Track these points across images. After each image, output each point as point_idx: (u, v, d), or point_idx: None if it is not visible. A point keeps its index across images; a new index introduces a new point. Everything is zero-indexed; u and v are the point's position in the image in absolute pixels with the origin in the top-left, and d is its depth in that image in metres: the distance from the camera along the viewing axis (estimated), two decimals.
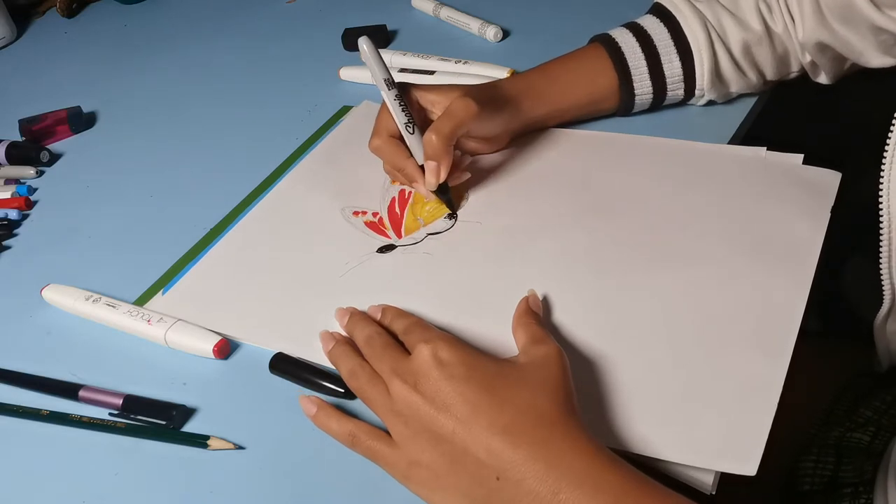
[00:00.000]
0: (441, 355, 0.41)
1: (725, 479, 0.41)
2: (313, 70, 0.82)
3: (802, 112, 0.83)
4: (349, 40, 0.83)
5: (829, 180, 0.56)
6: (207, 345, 0.50)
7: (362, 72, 0.77)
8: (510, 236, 0.56)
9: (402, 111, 0.56)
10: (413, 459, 0.40)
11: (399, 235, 0.58)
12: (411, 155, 0.57)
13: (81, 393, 0.50)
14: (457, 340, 0.43)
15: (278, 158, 0.69)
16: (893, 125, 0.49)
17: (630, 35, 0.63)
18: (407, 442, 0.41)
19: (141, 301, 0.57)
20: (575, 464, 0.37)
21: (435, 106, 0.59)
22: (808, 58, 0.61)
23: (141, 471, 0.46)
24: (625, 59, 0.62)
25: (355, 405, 0.47)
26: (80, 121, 0.80)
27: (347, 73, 0.78)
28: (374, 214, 0.60)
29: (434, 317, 0.51)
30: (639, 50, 0.62)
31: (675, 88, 0.63)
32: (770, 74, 0.63)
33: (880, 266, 0.53)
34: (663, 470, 0.42)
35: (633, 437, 0.42)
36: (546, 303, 0.50)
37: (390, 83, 0.56)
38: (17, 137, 0.78)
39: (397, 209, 0.61)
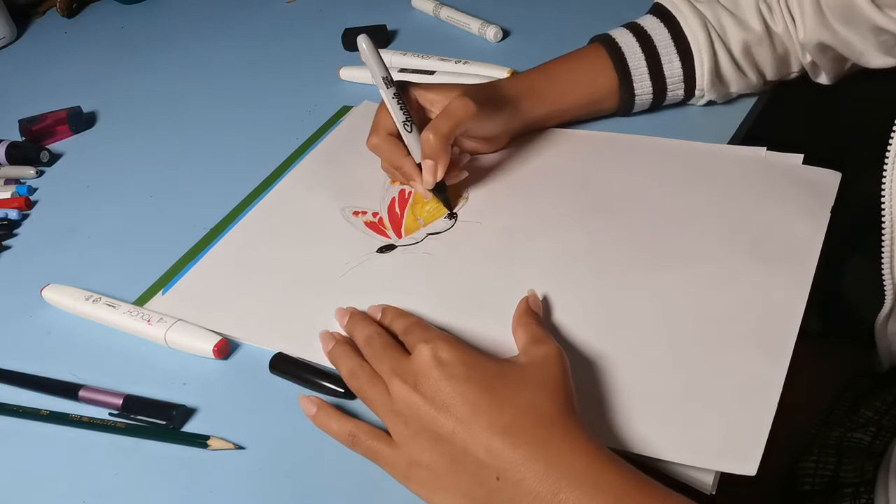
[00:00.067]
0: (441, 355, 0.41)
1: (725, 479, 0.41)
2: (313, 70, 0.82)
3: (802, 112, 0.83)
4: (349, 40, 0.83)
5: (829, 180, 0.56)
6: (207, 345, 0.50)
7: (362, 72, 0.77)
8: (510, 236, 0.56)
9: (401, 109, 0.56)
10: (413, 459, 0.40)
11: (399, 235, 0.58)
12: (409, 153, 0.57)
13: (81, 393, 0.50)
14: (457, 340, 0.43)
15: (278, 158, 0.69)
16: (895, 130, 0.49)
17: (630, 35, 0.63)
18: (407, 442, 0.41)
19: (141, 301, 0.57)
20: (575, 464, 0.37)
21: (434, 105, 0.59)
22: (808, 58, 0.61)
23: (141, 471, 0.46)
24: (625, 59, 0.62)
25: (355, 405, 0.47)
26: (80, 121, 0.80)
27: (347, 73, 0.78)
28: (374, 214, 0.60)
29: (434, 317, 0.51)
30: (639, 50, 0.62)
31: (675, 88, 0.63)
32: (770, 75, 0.63)
33: (882, 266, 0.53)
34: (663, 470, 0.42)
35: (633, 437, 0.42)
36: (546, 303, 0.50)
37: (389, 81, 0.56)
38: (17, 137, 0.78)
39: (397, 209, 0.61)
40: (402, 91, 0.57)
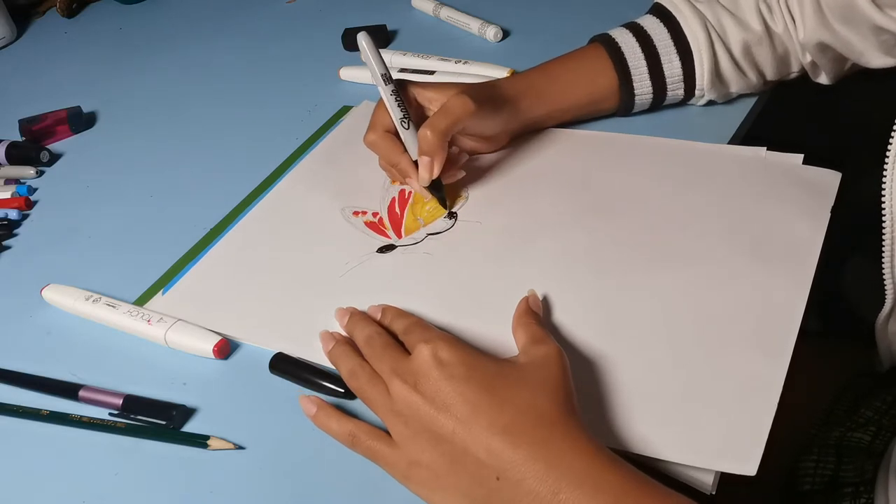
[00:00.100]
0: (441, 355, 0.41)
1: (725, 479, 0.41)
2: (313, 70, 0.82)
3: (802, 112, 0.83)
4: (349, 40, 0.83)
5: (829, 180, 0.56)
6: (207, 345, 0.50)
7: (362, 72, 0.77)
8: (510, 236, 0.56)
9: (398, 106, 0.56)
10: (413, 459, 0.40)
11: (399, 235, 0.58)
12: (406, 150, 0.57)
13: (81, 393, 0.50)
14: (457, 340, 0.43)
15: (278, 158, 0.69)
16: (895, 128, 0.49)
17: (630, 35, 0.63)
18: (407, 442, 0.41)
19: (141, 301, 0.57)
20: (575, 464, 0.37)
21: (432, 103, 0.59)
22: (808, 58, 0.61)
23: (141, 471, 0.46)
24: (625, 59, 0.62)
25: (355, 405, 0.47)
26: (80, 121, 0.80)
27: (347, 73, 0.78)
28: (374, 214, 0.60)
29: (434, 317, 0.51)
30: (639, 50, 0.62)
31: (675, 88, 0.63)
32: (770, 75, 0.63)
33: (882, 266, 0.53)
34: (663, 470, 0.42)
35: (633, 437, 0.42)
36: (546, 303, 0.50)
37: (387, 78, 0.56)
38: (17, 137, 0.78)
39: (397, 209, 0.61)
40: (401, 89, 0.57)
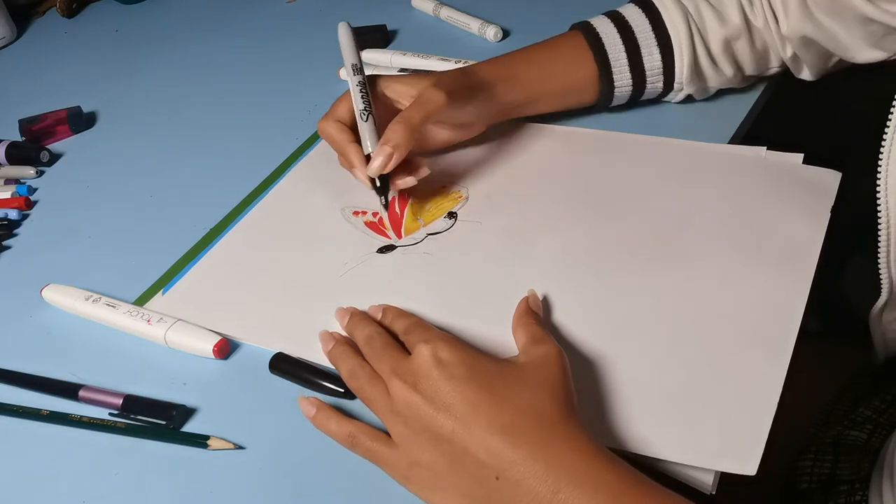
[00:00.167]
0: (441, 355, 0.41)
1: (725, 479, 0.41)
2: (313, 70, 0.82)
3: (802, 112, 0.83)
4: None
5: (829, 180, 0.56)
6: (207, 345, 0.50)
7: None
8: (510, 236, 0.56)
9: (362, 98, 0.56)
10: (413, 460, 0.40)
11: (399, 235, 0.58)
12: (355, 140, 0.56)
13: (81, 393, 0.50)
14: (457, 340, 0.43)
15: (278, 158, 0.69)
16: (889, 121, 0.49)
17: (610, 24, 0.62)
18: (407, 442, 0.41)
19: (141, 301, 0.57)
20: (574, 464, 0.37)
21: (402, 97, 0.59)
22: (790, 52, 0.60)
23: (141, 471, 0.46)
24: (605, 49, 0.61)
25: (355, 405, 0.47)
26: (80, 121, 0.80)
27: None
28: (374, 214, 0.60)
29: (434, 317, 0.51)
30: (619, 40, 0.61)
31: (655, 81, 0.63)
32: (749, 69, 0.63)
33: (878, 258, 0.52)
34: (663, 470, 0.42)
35: (633, 437, 0.42)
36: (546, 303, 0.50)
37: (357, 69, 0.56)
38: (17, 137, 0.78)
39: (397, 209, 0.61)
40: (371, 83, 0.58)
